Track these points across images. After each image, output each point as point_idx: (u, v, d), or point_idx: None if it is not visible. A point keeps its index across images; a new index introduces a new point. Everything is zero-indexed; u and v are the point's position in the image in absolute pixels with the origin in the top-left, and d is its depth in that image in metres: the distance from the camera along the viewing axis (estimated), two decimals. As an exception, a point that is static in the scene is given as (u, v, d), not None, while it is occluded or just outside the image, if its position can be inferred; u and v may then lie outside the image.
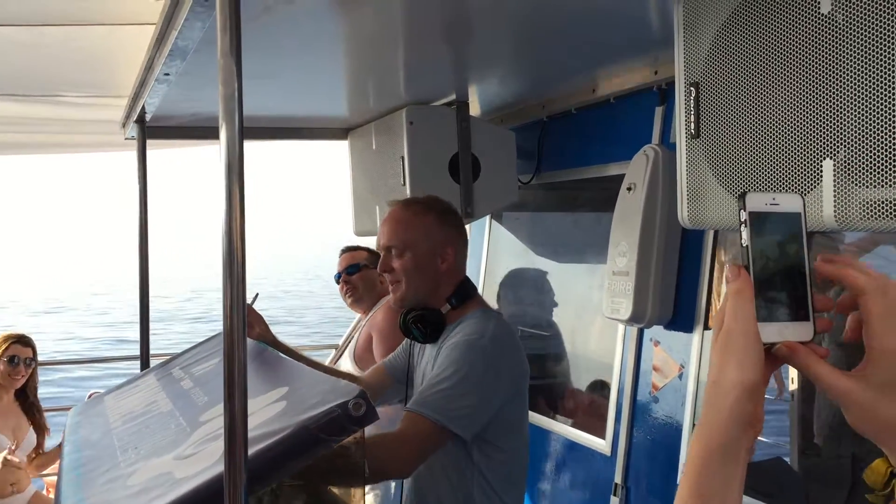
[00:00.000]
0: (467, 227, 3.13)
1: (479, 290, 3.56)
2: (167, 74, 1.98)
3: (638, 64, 2.48)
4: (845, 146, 1.29)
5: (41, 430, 3.97)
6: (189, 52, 1.75)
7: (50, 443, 4.11)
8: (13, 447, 3.64)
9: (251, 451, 1.36)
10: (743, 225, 0.70)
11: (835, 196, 1.30)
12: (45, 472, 4.05)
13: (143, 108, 2.68)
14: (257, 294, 2.36)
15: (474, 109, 3.17)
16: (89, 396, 3.94)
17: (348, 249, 3.18)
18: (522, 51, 2.49)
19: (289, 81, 2.73)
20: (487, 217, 3.50)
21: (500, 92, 3.07)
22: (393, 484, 2.46)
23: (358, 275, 3.05)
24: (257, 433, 1.47)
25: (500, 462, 1.93)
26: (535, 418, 3.01)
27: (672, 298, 2.37)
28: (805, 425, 2.08)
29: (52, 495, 4.20)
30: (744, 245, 0.71)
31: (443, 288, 2.05)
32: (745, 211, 0.71)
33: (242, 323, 1.20)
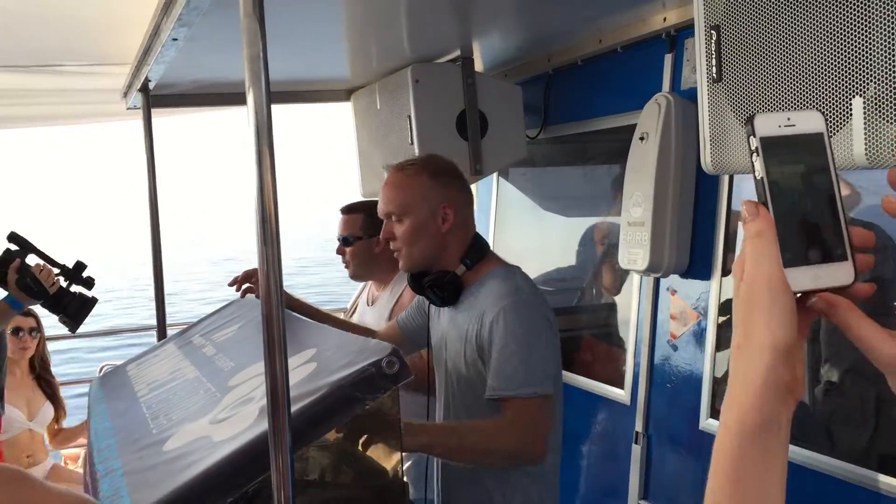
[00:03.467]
0: (475, 185, 3.13)
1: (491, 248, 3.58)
2: (175, 40, 1.96)
3: (645, 11, 2.45)
4: (875, 82, 1.28)
5: (57, 402, 3.99)
6: (200, 15, 1.72)
7: (70, 420, 4.14)
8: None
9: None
10: (755, 154, 0.59)
11: (865, 133, 1.29)
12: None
13: (148, 76, 2.65)
14: None
15: (479, 65, 3.14)
16: (100, 370, 3.97)
17: (347, 210, 2.94)
18: (526, 2, 2.46)
19: (287, 44, 2.69)
20: (494, 174, 3.49)
21: (504, 46, 3.04)
22: None
23: (350, 249, 2.83)
24: (292, 394, 1.48)
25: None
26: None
27: (688, 247, 2.37)
28: (827, 366, 2.09)
29: (71, 467, 4.24)
30: (758, 178, 0.59)
31: (452, 248, 2.02)
32: (754, 137, 0.60)
33: (279, 285, 1.20)
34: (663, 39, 2.47)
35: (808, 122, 0.60)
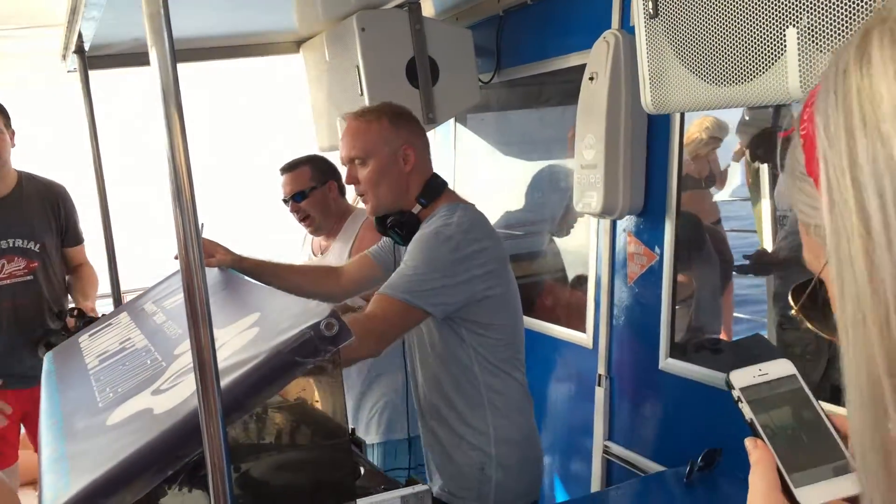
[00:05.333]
0: (432, 132, 3.07)
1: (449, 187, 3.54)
2: (95, 2, 1.87)
3: (592, -54, 2.38)
4: (808, 12, 1.23)
5: None
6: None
7: None
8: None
9: (227, 380, 1.34)
10: (740, 401, 0.67)
11: (800, 64, 1.25)
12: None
13: (80, 37, 2.55)
14: (203, 223, 2.30)
15: (428, 10, 3.06)
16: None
17: (288, 168, 2.86)
18: (471, -59, 2.38)
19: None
20: (452, 120, 3.43)
21: (452, -12, 2.96)
22: (400, 376, 2.49)
23: (306, 202, 2.78)
24: (232, 361, 1.45)
25: (495, 339, 2.02)
26: (516, 318, 3.03)
27: (643, 188, 2.35)
28: (782, 299, 2.09)
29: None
30: (748, 420, 0.67)
31: (412, 189, 2.10)
32: (735, 390, 0.68)
33: (199, 253, 1.15)
34: (611, -26, 2.40)
35: (779, 368, 0.68)
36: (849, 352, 0.51)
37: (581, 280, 2.78)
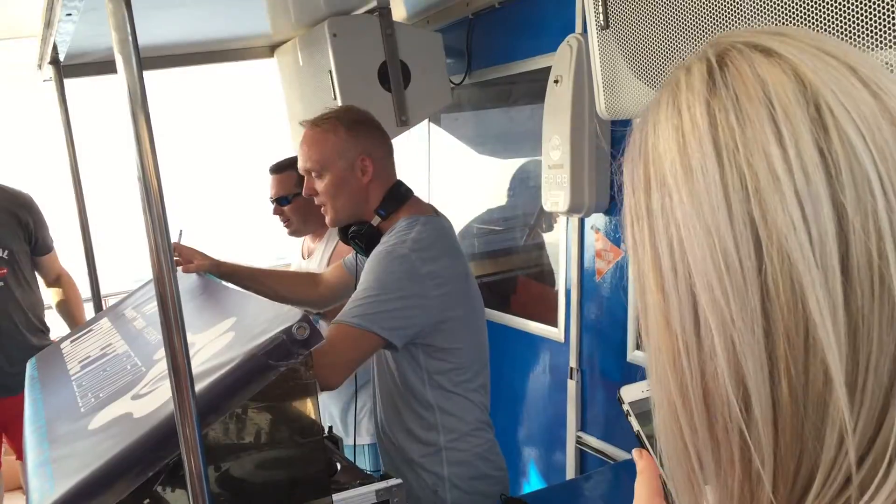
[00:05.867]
0: (406, 133, 3.13)
1: (427, 194, 3.61)
2: (69, 14, 1.92)
3: (556, -49, 2.45)
4: (751, 23, 1.31)
5: None
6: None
7: None
8: None
9: (203, 384, 1.41)
10: (628, 415, 0.73)
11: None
12: None
13: (55, 47, 2.59)
14: (181, 230, 2.35)
15: (398, 14, 3.12)
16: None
17: (277, 170, 2.90)
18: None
19: (207, 3, 2.65)
20: (426, 120, 3.49)
21: (422, -7, 3.02)
22: (358, 398, 2.53)
23: (289, 207, 2.81)
24: (209, 366, 1.51)
25: (452, 364, 1.95)
26: (490, 314, 3.10)
27: (608, 185, 2.42)
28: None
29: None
30: (635, 432, 0.72)
31: (371, 200, 2.03)
32: (625, 404, 0.73)
33: (170, 261, 1.21)
34: (574, -21, 2.47)
35: None
36: (651, 377, 0.56)
37: (553, 275, 2.85)
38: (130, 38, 1.16)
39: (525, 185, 3.21)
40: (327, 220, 2.09)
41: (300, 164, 2.07)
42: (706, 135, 0.50)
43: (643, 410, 0.73)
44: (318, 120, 2.07)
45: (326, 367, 1.72)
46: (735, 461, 0.50)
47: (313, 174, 2.04)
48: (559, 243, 2.71)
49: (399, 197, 2.05)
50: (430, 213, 2.07)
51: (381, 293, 1.83)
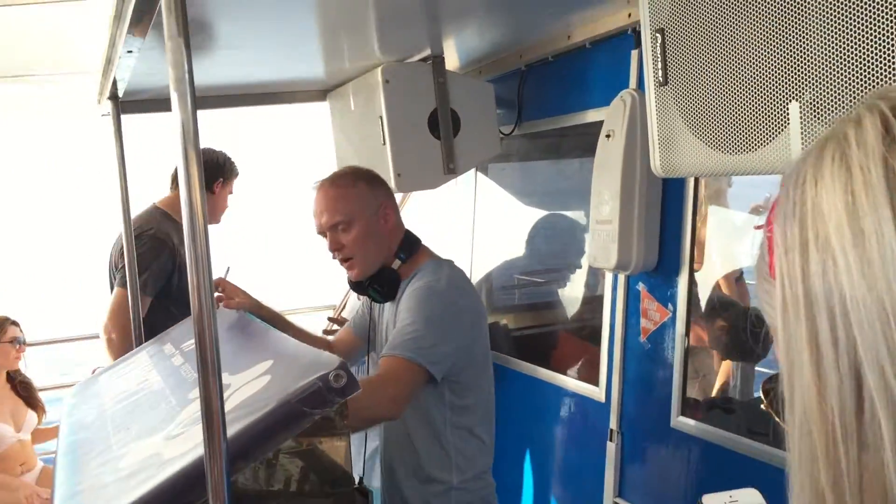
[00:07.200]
0: (454, 181, 3.12)
1: (470, 242, 3.59)
2: (130, 52, 1.95)
3: (611, 8, 2.43)
4: (811, 87, 1.27)
5: (35, 403, 3.98)
6: (147, 31, 1.71)
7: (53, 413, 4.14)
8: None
9: (235, 428, 1.38)
10: None
11: (802, 138, 1.28)
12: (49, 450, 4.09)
13: (115, 83, 2.65)
14: (228, 267, 2.39)
15: (451, 63, 3.13)
16: (93, 372, 3.98)
17: None
18: (493, 0, 2.44)
19: (264, 47, 2.70)
20: (473, 169, 3.48)
21: (476, 44, 3.02)
22: (368, 433, 2.49)
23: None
24: (243, 410, 1.48)
25: (471, 401, 2.03)
26: (529, 368, 3.04)
27: (657, 244, 2.37)
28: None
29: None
30: None
31: (393, 246, 2.14)
32: None
33: (210, 301, 1.20)
34: (629, 35, 2.45)
35: (748, 497, 0.74)
36: (794, 459, 0.50)
37: (596, 332, 2.78)
38: (187, 76, 1.16)
39: (572, 239, 3.17)
40: (355, 273, 2.14)
41: (325, 222, 2.13)
42: (882, 195, 0.45)
43: None
44: (335, 178, 2.20)
45: (389, 399, 1.82)
46: None
47: (340, 227, 2.11)
48: (605, 300, 2.65)
49: (414, 243, 2.17)
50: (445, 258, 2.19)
51: (424, 327, 1.92)
